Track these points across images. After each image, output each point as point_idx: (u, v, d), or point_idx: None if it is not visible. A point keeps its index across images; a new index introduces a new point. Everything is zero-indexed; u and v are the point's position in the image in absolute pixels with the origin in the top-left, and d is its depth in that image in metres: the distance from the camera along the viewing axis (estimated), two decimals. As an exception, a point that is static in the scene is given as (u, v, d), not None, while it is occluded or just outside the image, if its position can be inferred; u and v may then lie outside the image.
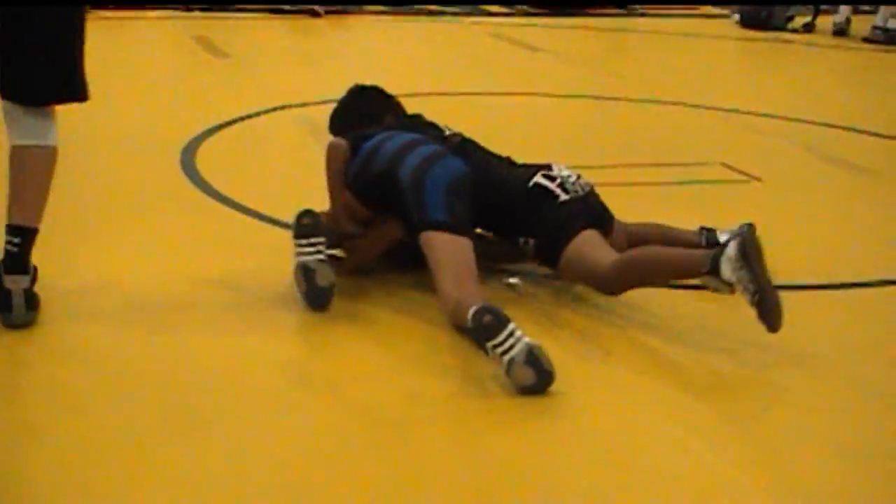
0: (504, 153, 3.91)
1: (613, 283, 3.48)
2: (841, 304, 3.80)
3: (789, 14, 10.93)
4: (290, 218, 3.59)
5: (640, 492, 2.55)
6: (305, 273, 3.43)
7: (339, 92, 4.13)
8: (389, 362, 3.16)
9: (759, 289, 3.17)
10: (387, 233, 3.68)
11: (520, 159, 3.89)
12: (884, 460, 2.74)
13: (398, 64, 8.22)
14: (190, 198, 4.57)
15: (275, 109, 6.25)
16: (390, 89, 4.08)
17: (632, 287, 3.51)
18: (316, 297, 3.43)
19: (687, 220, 4.33)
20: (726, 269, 3.22)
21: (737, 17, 11.19)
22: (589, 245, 3.55)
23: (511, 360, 2.93)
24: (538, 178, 3.68)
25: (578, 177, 3.74)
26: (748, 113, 6.83)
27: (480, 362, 3.05)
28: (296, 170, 4.98)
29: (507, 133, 5.88)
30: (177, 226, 4.21)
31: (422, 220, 3.40)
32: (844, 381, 3.17)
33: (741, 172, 5.38)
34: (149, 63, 7.97)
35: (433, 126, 3.94)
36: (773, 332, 3.19)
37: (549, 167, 3.74)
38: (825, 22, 10.80)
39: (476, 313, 3.01)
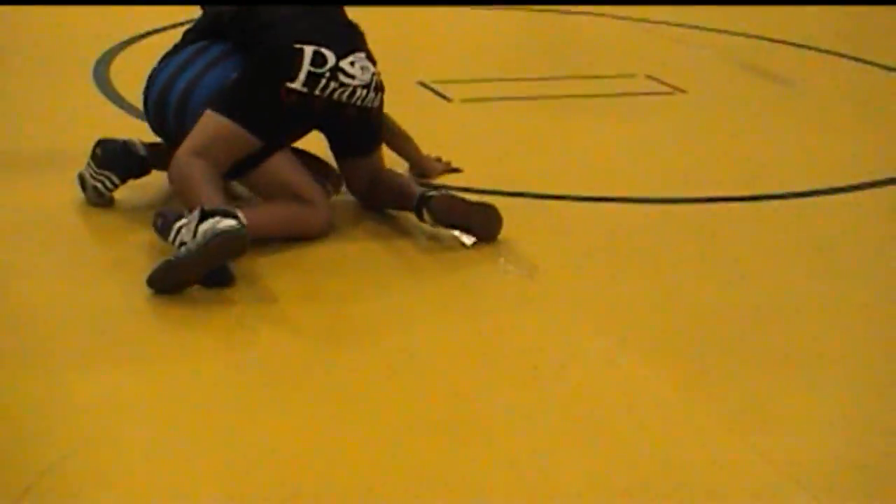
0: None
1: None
2: (768, 216, 3.82)
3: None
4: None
5: (568, 409, 2.54)
6: (81, 183, 3.46)
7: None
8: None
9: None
10: None
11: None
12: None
13: None
14: (106, 115, 4.43)
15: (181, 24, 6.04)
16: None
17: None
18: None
19: (614, 132, 4.32)
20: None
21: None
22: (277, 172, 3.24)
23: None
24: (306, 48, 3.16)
25: (366, 88, 3.22)
26: (672, 24, 6.80)
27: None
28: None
29: (432, 46, 5.82)
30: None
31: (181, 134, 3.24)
32: (760, 294, 3.19)
33: (666, 84, 5.36)
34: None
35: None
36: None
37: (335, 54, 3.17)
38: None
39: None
